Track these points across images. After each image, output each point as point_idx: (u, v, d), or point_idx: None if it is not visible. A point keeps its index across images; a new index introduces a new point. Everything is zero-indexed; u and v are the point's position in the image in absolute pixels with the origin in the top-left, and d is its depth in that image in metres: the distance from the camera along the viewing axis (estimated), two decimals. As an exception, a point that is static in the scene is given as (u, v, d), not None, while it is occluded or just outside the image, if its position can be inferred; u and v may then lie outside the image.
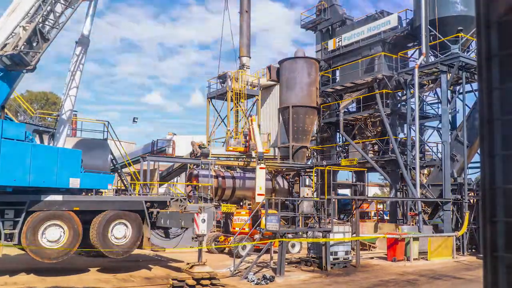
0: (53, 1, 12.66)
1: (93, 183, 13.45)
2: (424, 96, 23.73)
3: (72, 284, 11.65)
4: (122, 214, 13.25)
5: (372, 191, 45.78)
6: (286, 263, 14.36)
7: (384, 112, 23.12)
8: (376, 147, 26.08)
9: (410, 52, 25.49)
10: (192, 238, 14.25)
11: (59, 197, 12.45)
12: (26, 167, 11.68)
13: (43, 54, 12.27)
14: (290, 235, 16.57)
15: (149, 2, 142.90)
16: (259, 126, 33.18)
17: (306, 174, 27.54)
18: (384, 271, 15.14)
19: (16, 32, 12.09)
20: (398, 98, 24.91)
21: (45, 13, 12.50)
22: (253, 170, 26.69)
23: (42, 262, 12.16)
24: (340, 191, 32.59)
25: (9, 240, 11.81)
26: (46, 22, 12.56)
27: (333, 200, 17.36)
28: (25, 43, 11.80)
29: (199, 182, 22.39)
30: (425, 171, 24.66)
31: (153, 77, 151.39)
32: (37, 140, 13.29)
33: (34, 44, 12.08)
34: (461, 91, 21.80)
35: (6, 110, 12.68)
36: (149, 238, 13.82)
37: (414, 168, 21.06)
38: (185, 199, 14.55)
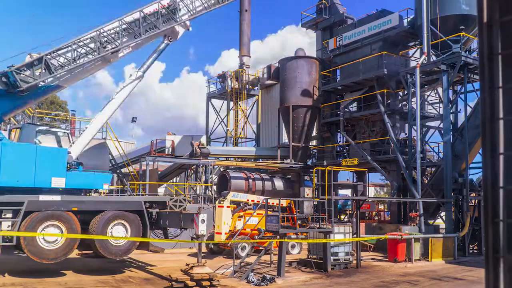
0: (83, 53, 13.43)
1: (86, 182, 13.32)
2: (426, 96, 23.60)
3: (71, 285, 11.55)
4: (121, 215, 13.15)
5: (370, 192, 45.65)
6: (286, 264, 14.25)
7: (385, 111, 22.99)
8: (376, 147, 25.94)
9: (411, 51, 25.35)
10: (192, 239, 14.15)
11: (57, 197, 12.36)
12: None
13: (39, 82, 12.69)
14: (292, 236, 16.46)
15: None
16: (259, 128, 33.11)
17: (306, 174, 27.40)
18: (385, 272, 15.04)
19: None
20: (399, 97, 24.77)
21: (71, 56, 13.32)
22: (279, 173, 26.93)
23: (40, 263, 12.07)
24: (340, 191, 32.47)
25: (7, 240, 11.72)
26: (60, 59, 13.11)
27: (334, 200, 17.23)
28: (25, 68, 12.25)
29: (231, 185, 22.54)
30: (427, 171, 24.51)
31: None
32: (49, 142, 13.22)
33: (36, 73, 12.51)
34: (462, 90, 21.67)
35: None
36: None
37: (415, 168, 20.93)
38: (184, 199, 14.45)
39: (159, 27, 14.70)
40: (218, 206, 17.44)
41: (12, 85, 12.35)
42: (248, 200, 19.66)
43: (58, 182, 12.53)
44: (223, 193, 20.50)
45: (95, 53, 13.57)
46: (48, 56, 12.66)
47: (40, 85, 12.83)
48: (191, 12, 15.49)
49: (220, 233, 16.83)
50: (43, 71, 12.57)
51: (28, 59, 12.44)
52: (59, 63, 13.00)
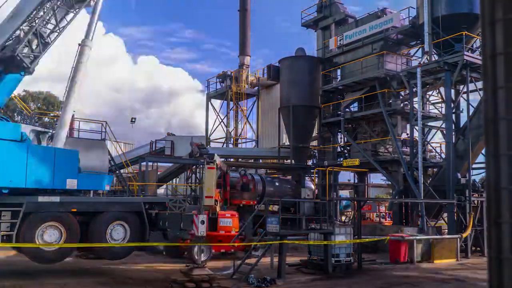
0: (55, 6, 12.70)
1: (90, 184, 13.27)
2: (427, 96, 23.45)
3: (70, 287, 11.44)
4: (121, 216, 13.07)
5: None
6: (287, 266, 14.12)
7: (386, 111, 22.85)
8: (378, 147, 25.81)
9: (412, 50, 25.21)
10: (191, 240, 13.99)
11: (56, 199, 12.29)
12: (22, 168, 11.51)
13: (42, 57, 12.36)
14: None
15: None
16: (259, 128, 32.99)
17: (306, 174, 27.25)
18: (387, 273, 14.91)
19: (16, 34, 12.21)
20: (401, 97, 24.63)
21: (46, 17, 12.56)
22: (279, 173, 26.68)
23: (39, 264, 11.95)
24: (340, 192, 32.34)
25: (6, 242, 11.63)
26: (48, 26, 12.64)
27: (334, 201, 17.10)
28: (24, 46, 11.93)
29: (230, 185, 22.21)
30: (429, 172, 24.37)
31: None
32: (35, 141, 13.13)
33: (34, 47, 12.18)
34: (465, 90, 21.51)
35: (1, 110, 12.65)
36: (147, 240, 13.63)
37: (417, 169, 20.79)
38: (184, 200, 14.32)
39: None
40: (208, 168, 15.74)
41: (17, 66, 12.08)
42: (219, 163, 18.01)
43: (72, 183, 12.61)
44: (207, 153, 18.73)
45: (72, 8, 13.12)
46: (40, 26, 12.28)
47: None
48: None
49: (211, 197, 15.23)
50: (39, 43, 12.28)
51: (23, 36, 12.08)
52: (49, 30, 12.68)
